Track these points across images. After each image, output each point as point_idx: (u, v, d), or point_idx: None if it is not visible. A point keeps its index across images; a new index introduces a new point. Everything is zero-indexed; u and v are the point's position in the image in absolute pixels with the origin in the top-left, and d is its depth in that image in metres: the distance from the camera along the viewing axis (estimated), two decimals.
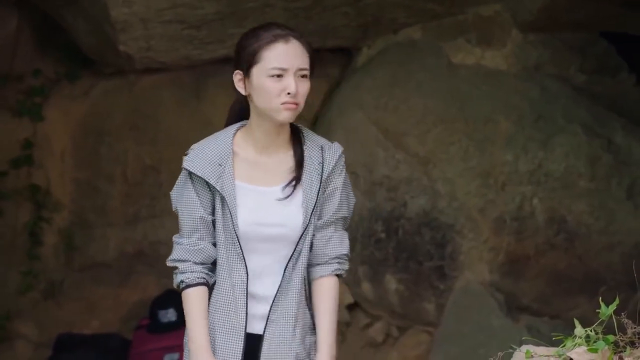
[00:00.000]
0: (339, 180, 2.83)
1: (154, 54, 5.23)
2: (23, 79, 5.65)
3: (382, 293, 5.18)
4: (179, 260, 2.87)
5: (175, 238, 2.91)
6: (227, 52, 5.31)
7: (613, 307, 2.31)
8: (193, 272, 2.84)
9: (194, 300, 2.83)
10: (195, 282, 2.82)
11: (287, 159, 2.81)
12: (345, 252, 2.83)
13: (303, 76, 2.76)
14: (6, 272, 5.52)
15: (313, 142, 2.84)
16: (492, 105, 5.12)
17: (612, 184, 5.04)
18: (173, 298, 5.27)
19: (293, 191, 2.77)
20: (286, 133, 2.83)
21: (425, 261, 5.14)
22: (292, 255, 2.76)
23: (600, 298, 2.37)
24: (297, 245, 2.76)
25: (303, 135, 2.85)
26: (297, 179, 2.77)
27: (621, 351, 2.27)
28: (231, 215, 2.77)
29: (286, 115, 2.76)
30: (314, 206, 2.77)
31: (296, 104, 2.75)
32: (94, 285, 5.56)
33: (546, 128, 5.06)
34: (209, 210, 2.84)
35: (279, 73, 2.74)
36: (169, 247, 5.72)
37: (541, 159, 5.04)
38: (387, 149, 5.17)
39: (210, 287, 2.83)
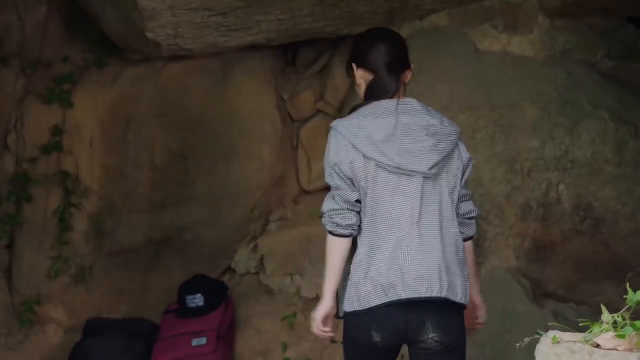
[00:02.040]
0: None
1: (181, 41, 5.26)
2: (52, 66, 5.71)
3: None
4: None
5: None
6: (254, 39, 5.34)
7: None
8: None
9: None
10: None
11: None
12: None
13: None
14: (37, 257, 5.58)
15: None
16: (518, 91, 5.11)
17: (639, 170, 5.03)
18: (200, 284, 5.31)
19: None
20: None
21: None
22: None
23: (628, 284, 2.37)
24: None
25: None
26: None
27: None
28: None
29: None
30: None
31: None
32: (123, 271, 5.61)
33: (573, 114, 5.06)
34: None
35: None
36: (195, 234, 5.80)
37: (568, 145, 5.04)
38: None
39: None
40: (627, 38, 5.35)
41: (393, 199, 3.19)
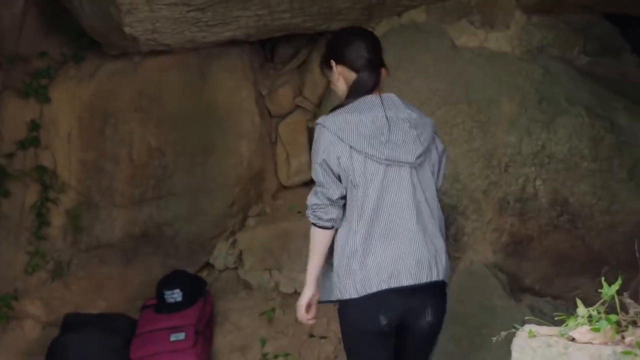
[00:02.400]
0: None
1: (159, 36, 5.24)
2: (29, 61, 5.68)
3: None
4: None
5: None
6: (232, 34, 5.33)
7: (615, 287, 2.32)
8: None
9: None
10: None
11: None
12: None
13: None
14: (14, 252, 5.55)
15: None
16: (495, 87, 5.13)
17: (614, 164, 5.06)
18: (179, 279, 5.31)
19: None
20: None
21: None
22: None
23: (603, 278, 2.39)
24: None
25: None
26: None
27: (623, 331, 2.28)
28: None
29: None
30: None
31: None
32: (101, 266, 5.60)
33: (549, 110, 5.08)
34: None
35: None
36: (173, 229, 5.79)
37: (544, 141, 5.06)
38: None
39: None
40: (603, 34, 5.39)
41: (385, 188, 3.31)
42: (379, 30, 5.42)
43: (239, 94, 5.64)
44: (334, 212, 3.37)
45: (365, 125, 3.32)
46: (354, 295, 3.30)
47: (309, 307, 3.49)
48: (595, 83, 5.23)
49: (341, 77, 3.45)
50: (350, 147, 3.29)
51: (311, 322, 3.54)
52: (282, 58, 5.93)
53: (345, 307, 3.38)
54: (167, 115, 5.59)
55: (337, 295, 3.38)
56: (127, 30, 5.12)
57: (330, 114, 3.39)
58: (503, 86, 5.13)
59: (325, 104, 5.49)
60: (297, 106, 5.76)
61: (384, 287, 3.27)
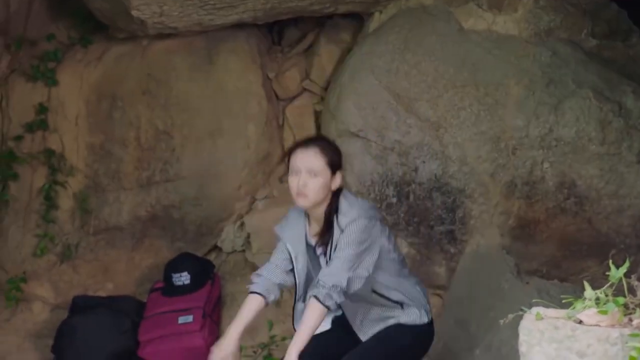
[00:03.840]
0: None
1: (166, 19, 5.24)
2: (37, 44, 5.68)
3: None
4: None
5: None
6: (239, 17, 5.32)
7: (623, 269, 2.32)
8: None
9: None
10: None
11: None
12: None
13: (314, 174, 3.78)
14: (22, 235, 5.57)
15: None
16: (503, 70, 5.12)
17: (622, 147, 5.05)
18: (187, 262, 5.32)
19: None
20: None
21: (436, 225, 5.17)
22: None
23: (610, 261, 2.39)
24: None
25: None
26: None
27: (631, 313, 2.28)
28: None
29: (299, 202, 3.83)
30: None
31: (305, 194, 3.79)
32: (109, 249, 5.61)
33: (557, 92, 5.07)
34: None
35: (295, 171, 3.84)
36: (181, 212, 5.80)
37: (552, 124, 5.06)
38: (398, 114, 5.18)
39: None
40: (611, 17, 5.37)
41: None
42: (386, 13, 5.41)
43: (246, 77, 5.64)
44: None
45: None
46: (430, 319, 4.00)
47: None
48: (603, 66, 5.21)
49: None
50: None
51: None
52: (289, 41, 5.92)
53: (430, 328, 4.00)
54: (174, 99, 5.59)
55: (425, 317, 3.95)
56: (134, 13, 5.12)
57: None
58: (510, 69, 5.12)
59: (333, 87, 5.48)
60: (304, 89, 5.76)
61: None
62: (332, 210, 3.86)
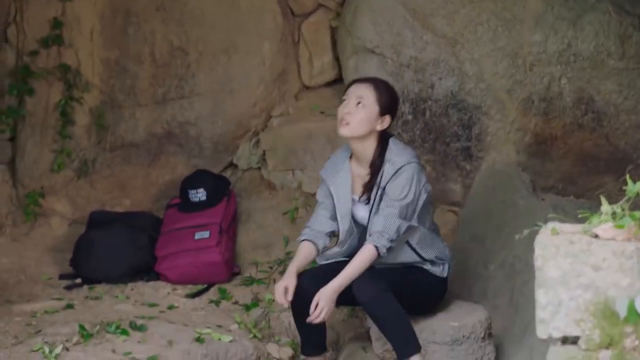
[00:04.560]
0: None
1: None
2: None
3: None
4: None
5: None
6: None
7: None
8: None
9: None
10: None
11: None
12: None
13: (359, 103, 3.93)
14: (39, 151, 5.59)
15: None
16: None
17: None
18: (203, 178, 5.34)
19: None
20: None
21: (452, 142, 5.16)
22: None
23: (628, 175, 2.38)
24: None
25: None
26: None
27: None
28: None
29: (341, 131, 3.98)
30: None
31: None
32: (125, 165, 5.63)
33: (576, 7, 5.01)
34: None
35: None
36: (197, 129, 5.81)
37: (570, 39, 5.01)
38: (414, 30, 5.14)
39: None
40: None
41: None
42: None
43: None
44: None
45: None
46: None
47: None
48: None
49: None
50: None
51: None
52: None
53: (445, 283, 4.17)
54: (188, 14, 5.55)
55: (445, 272, 4.13)
56: None
57: None
58: None
59: (349, 2, 5.42)
60: (320, 5, 5.70)
61: None
62: (380, 152, 3.95)
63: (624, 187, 2.34)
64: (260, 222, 5.45)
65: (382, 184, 3.92)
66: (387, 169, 3.91)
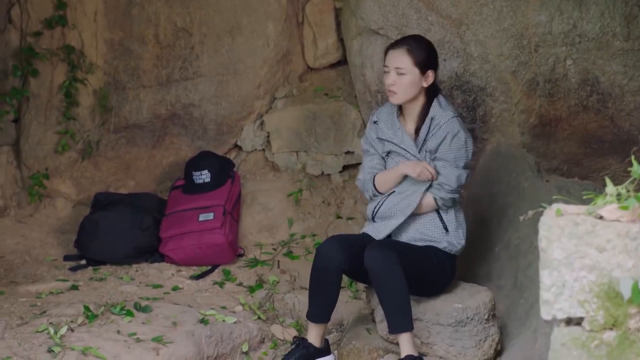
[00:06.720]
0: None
1: None
2: None
3: None
4: None
5: None
6: None
7: None
8: None
9: None
10: None
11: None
12: None
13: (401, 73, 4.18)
14: (43, 132, 5.59)
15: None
16: None
17: None
18: (207, 160, 5.34)
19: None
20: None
21: None
22: None
23: (633, 157, 2.38)
24: None
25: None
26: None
27: None
28: None
29: (391, 99, 4.25)
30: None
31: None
32: (129, 146, 5.63)
33: None
34: None
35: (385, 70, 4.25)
36: (201, 110, 5.80)
37: (576, 19, 4.99)
38: (419, 11, 5.12)
39: None
40: None
41: None
42: None
43: None
44: None
45: None
46: None
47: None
48: None
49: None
50: None
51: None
52: None
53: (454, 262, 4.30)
54: None
55: (457, 248, 4.27)
56: None
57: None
58: None
59: None
60: None
61: None
62: (426, 108, 4.24)
63: (629, 169, 2.33)
64: (265, 203, 5.45)
65: (428, 138, 4.21)
66: (434, 123, 4.19)
